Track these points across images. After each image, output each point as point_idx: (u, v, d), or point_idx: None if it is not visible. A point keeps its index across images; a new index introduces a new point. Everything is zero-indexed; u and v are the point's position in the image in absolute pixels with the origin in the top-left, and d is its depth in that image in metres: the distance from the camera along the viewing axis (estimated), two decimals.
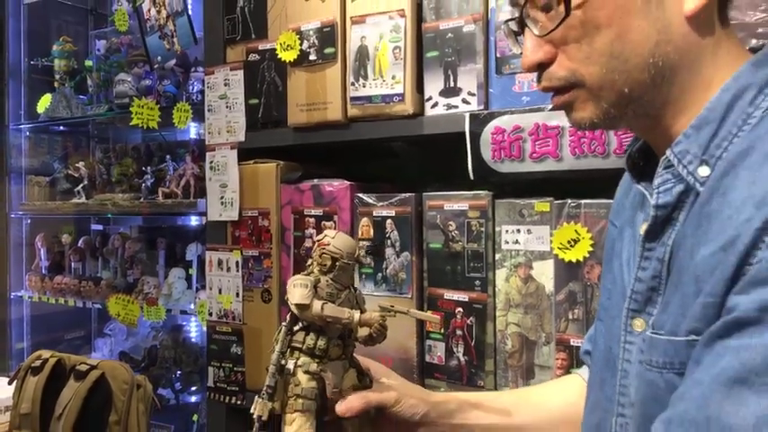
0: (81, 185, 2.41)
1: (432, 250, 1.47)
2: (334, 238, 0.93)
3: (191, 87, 2.12)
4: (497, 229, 1.39)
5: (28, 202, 2.64)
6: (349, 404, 0.95)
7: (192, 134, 2.54)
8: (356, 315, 0.90)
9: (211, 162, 1.83)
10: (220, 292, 1.79)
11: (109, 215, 2.42)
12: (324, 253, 0.91)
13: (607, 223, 1.23)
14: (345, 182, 1.60)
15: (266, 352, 1.71)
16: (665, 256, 0.69)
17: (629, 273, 0.76)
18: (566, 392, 1.03)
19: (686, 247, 0.66)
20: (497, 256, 1.39)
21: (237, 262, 1.75)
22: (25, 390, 1.65)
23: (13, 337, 2.74)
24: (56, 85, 2.64)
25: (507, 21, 0.79)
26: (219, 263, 1.80)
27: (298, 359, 0.91)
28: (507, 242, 1.38)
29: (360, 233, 1.54)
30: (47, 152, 2.77)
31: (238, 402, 1.77)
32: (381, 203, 1.54)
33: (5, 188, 2.68)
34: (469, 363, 1.42)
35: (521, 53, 0.78)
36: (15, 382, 1.67)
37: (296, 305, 0.87)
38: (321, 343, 0.91)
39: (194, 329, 2.60)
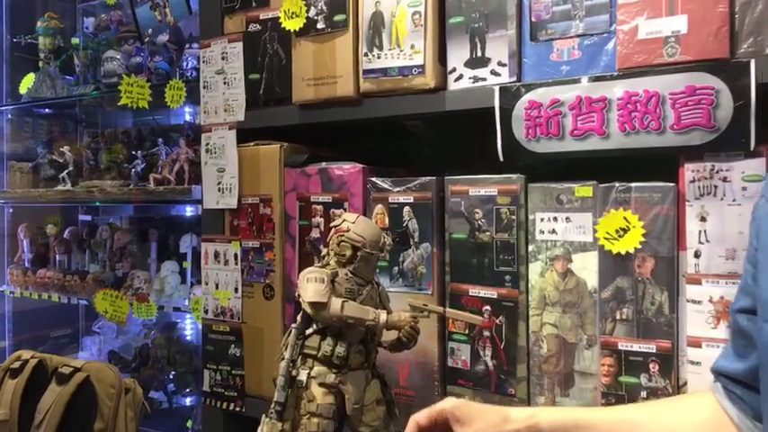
0: (66, 171, 2.26)
1: (455, 241, 1.33)
2: (354, 224, 0.78)
3: (185, 63, 1.97)
4: (531, 217, 1.25)
5: (9, 190, 2.49)
6: None
7: (187, 117, 2.40)
8: (383, 316, 0.76)
9: (207, 144, 1.69)
10: (217, 287, 1.66)
11: (97, 203, 2.28)
12: (343, 241, 0.77)
13: (663, 209, 1.11)
14: (357, 165, 1.46)
15: (268, 353, 1.58)
16: None
17: None
18: (689, 415, 0.85)
19: None
20: (531, 248, 1.25)
21: (236, 254, 1.62)
22: (3, 394, 1.56)
23: None
24: (40, 64, 2.50)
25: None
26: (216, 255, 1.67)
27: (311, 369, 0.77)
28: (542, 232, 1.24)
29: (374, 222, 1.39)
30: (30, 136, 2.62)
31: (237, 409, 1.63)
32: (398, 189, 1.39)
33: None
34: (498, 368, 1.28)
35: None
36: None
37: (310, 303, 0.73)
38: (340, 349, 0.76)
39: (189, 327, 2.47)
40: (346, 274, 0.79)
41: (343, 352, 0.78)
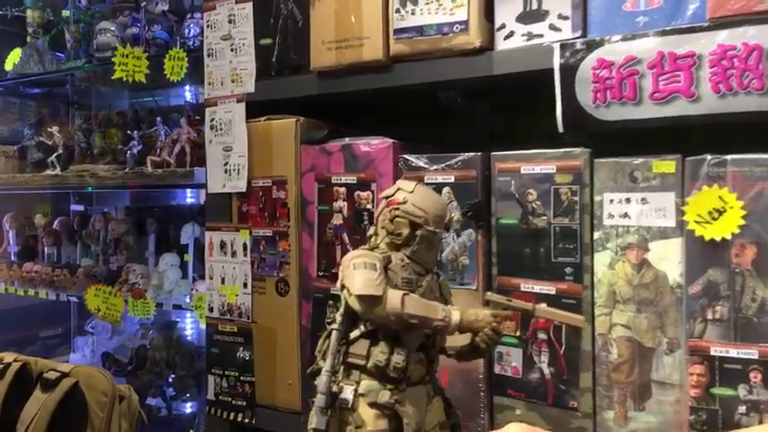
0: (55, 155, 2.08)
1: (504, 227, 1.17)
2: (412, 193, 0.61)
3: (186, 31, 1.79)
4: (597, 198, 1.09)
5: None
6: None
7: (188, 97, 2.22)
8: (455, 314, 0.58)
9: (212, 120, 1.54)
10: (223, 282, 1.52)
11: (89, 189, 2.10)
12: (398, 216, 0.59)
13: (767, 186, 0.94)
14: (387, 140, 1.30)
15: (282, 357, 1.43)
16: None
17: None
18: None
19: None
20: (597, 235, 1.09)
21: (245, 244, 1.48)
22: None
23: None
24: (28, 39, 2.33)
25: None
26: (222, 246, 1.53)
27: (358, 384, 0.59)
28: (612, 216, 1.08)
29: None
30: (18, 118, 2.46)
31: (246, 420, 1.49)
32: (436, 167, 1.23)
33: None
34: (557, 376, 1.12)
35: None
36: None
37: (360, 297, 0.55)
38: (398, 358, 0.59)
39: (190, 326, 2.31)
40: (402, 260, 0.61)
41: (402, 362, 0.60)
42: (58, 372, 1.46)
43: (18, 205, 2.44)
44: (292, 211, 1.40)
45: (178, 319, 2.30)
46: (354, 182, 1.32)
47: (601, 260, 1.08)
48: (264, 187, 1.45)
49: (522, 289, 1.15)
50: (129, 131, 1.97)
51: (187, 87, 2.23)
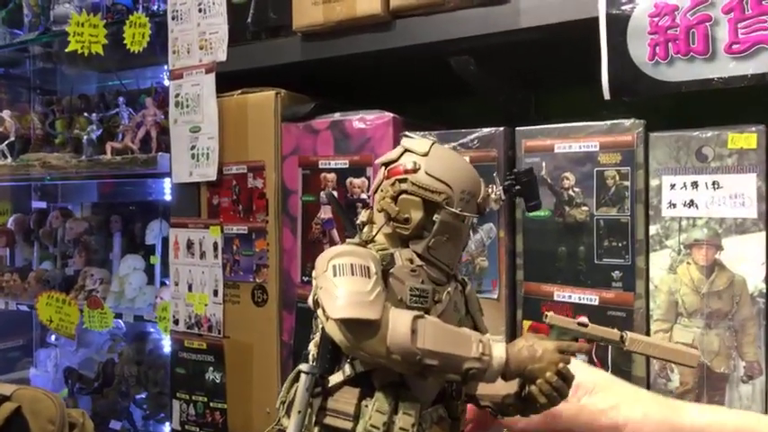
0: (6, 143, 1.89)
1: (532, 221, 1.01)
2: (427, 157, 0.41)
3: None
4: (654, 182, 0.92)
5: None
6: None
7: (166, 82, 2.03)
8: (497, 350, 0.37)
9: (177, 95, 1.38)
10: (190, 289, 1.37)
11: (47, 180, 1.91)
12: (405, 192, 0.39)
13: None
14: (386, 114, 1.14)
15: (259, 380, 1.25)
16: None
17: None
18: None
19: None
20: (654, 230, 0.93)
21: (216, 243, 1.33)
22: None
23: None
24: None
25: None
26: (189, 245, 1.37)
27: None
28: (673, 205, 0.91)
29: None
30: None
31: None
32: (448, 145, 1.02)
33: None
34: None
35: None
36: None
37: (343, 324, 0.34)
38: (404, 421, 0.38)
39: (167, 338, 2.11)
40: (411, 260, 0.41)
41: (411, 426, 0.39)
42: None
43: None
44: (271, 203, 1.26)
45: (152, 330, 2.11)
46: (346, 166, 1.16)
47: (658, 262, 0.92)
48: (238, 175, 1.30)
49: (556, 298, 0.99)
50: (86, 114, 1.77)
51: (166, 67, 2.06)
